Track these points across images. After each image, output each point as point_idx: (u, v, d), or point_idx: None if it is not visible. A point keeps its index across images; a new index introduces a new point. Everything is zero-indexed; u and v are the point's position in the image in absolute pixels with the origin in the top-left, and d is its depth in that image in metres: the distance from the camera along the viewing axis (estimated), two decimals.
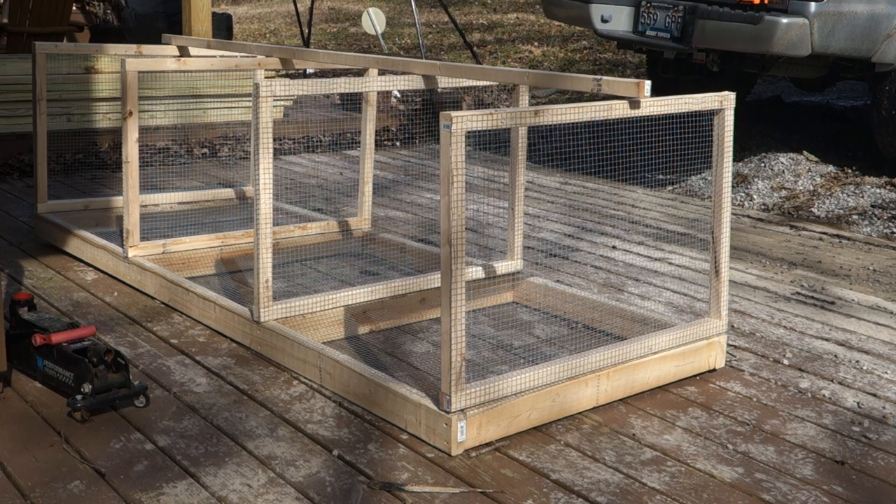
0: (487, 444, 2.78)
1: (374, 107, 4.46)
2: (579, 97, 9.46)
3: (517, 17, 17.23)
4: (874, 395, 3.21)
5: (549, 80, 3.95)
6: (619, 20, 6.81)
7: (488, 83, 3.99)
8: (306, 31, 10.86)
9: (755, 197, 6.12)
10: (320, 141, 7.58)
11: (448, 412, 2.70)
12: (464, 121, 2.58)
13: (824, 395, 3.20)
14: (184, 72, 5.47)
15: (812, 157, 6.86)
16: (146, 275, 4.02)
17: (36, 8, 8.04)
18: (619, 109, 2.96)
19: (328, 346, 3.25)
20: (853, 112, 8.64)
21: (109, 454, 2.69)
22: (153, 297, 3.98)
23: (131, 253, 4.15)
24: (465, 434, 2.72)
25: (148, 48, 4.78)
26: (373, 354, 3.44)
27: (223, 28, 8.82)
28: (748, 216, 5.69)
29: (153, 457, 2.68)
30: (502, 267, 4.01)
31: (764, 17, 5.60)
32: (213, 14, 7.86)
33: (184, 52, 4.74)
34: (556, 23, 13.49)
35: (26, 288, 4.08)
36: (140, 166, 4.18)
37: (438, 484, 2.57)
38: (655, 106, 3.03)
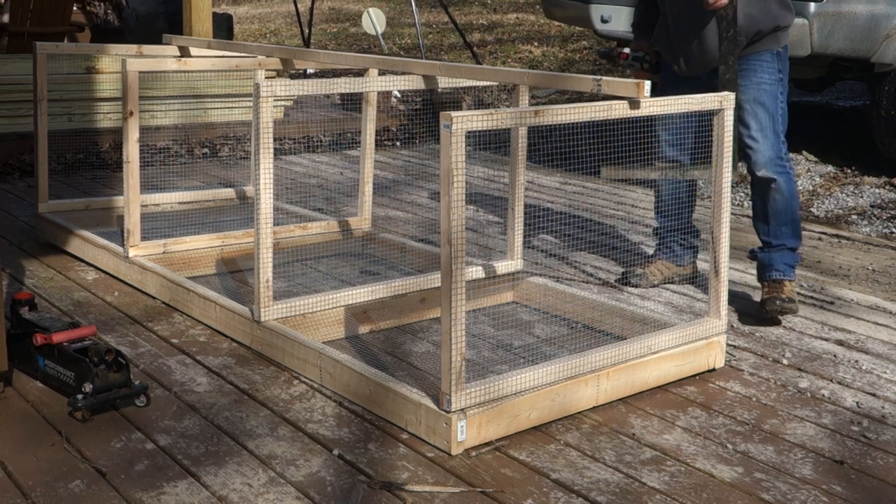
0: (487, 444, 2.78)
1: (375, 107, 4.46)
2: (579, 97, 9.47)
3: (517, 17, 17.23)
4: (873, 395, 3.21)
5: (549, 80, 3.95)
6: (619, 20, 6.81)
7: (488, 83, 3.99)
8: (306, 31, 10.87)
9: None
10: (320, 141, 7.58)
11: (448, 412, 2.71)
12: (464, 121, 2.58)
13: (823, 395, 3.21)
14: (184, 72, 5.47)
15: (811, 157, 6.87)
16: (147, 274, 4.03)
17: (37, 8, 8.04)
18: (619, 109, 2.96)
19: (328, 346, 3.25)
20: (853, 112, 8.64)
21: (110, 453, 2.70)
22: (154, 297, 3.98)
23: (132, 253, 4.15)
24: (465, 434, 2.72)
25: (149, 48, 4.79)
26: (373, 354, 3.45)
27: (224, 28, 8.83)
28: (748, 216, 5.68)
29: (154, 456, 2.69)
30: (502, 267, 4.02)
31: None
32: (214, 14, 7.86)
33: (184, 53, 4.75)
34: (556, 23, 13.50)
35: (27, 287, 4.08)
36: (141, 166, 4.19)
37: (438, 483, 2.58)
38: (655, 106, 3.04)
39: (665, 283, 4.24)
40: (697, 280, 4.24)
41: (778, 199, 3.83)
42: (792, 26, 3.89)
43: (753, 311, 3.94)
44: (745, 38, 3.73)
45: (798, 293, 4.02)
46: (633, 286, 4.20)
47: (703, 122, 3.79)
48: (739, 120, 3.75)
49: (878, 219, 5.67)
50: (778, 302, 3.73)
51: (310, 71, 9.08)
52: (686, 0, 3.75)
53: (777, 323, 3.82)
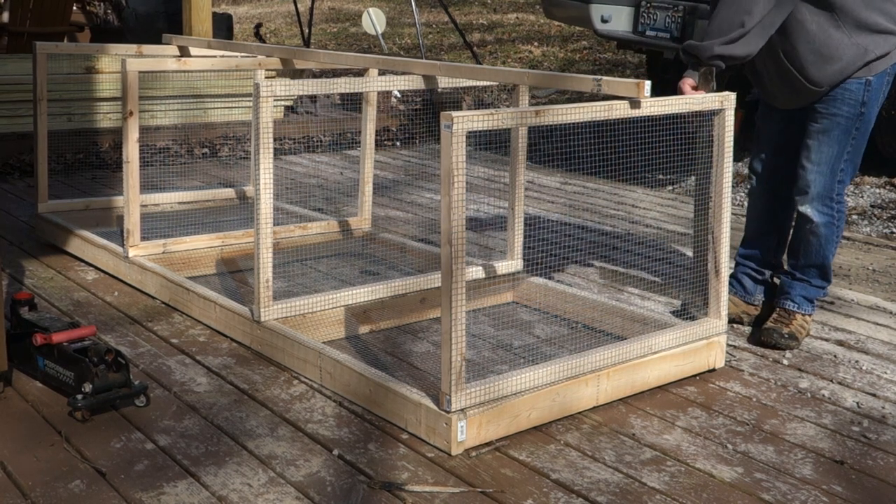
0: (487, 444, 2.78)
1: (374, 107, 4.46)
2: (579, 97, 9.47)
3: (517, 17, 17.24)
4: (873, 395, 3.21)
5: (549, 80, 3.95)
6: (618, 20, 6.81)
7: (488, 83, 3.99)
8: (306, 31, 10.87)
9: None
10: (320, 141, 7.58)
11: (448, 412, 2.71)
12: (465, 121, 2.58)
13: (824, 395, 3.20)
14: (184, 72, 5.47)
15: None
16: (147, 274, 4.03)
17: (37, 8, 8.05)
18: (620, 109, 2.96)
19: (328, 346, 3.25)
20: None
21: (110, 453, 2.70)
22: (154, 297, 3.98)
23: (132, 253, 4.15)
24: (465, 434, 2.72)
25: (148, 48, 4.79)
26: (373, 354, 3.45)
27: (223, 28, 8.83)
28: None
29: (153, 456, 2.69)
30: (502, 267, 4.02)
31: None
32: (214, 14, 7.87)
33: (184, 52, 4.75)
34: (556, 23, 13.51)
35: (27, 287, 4.08)
36: (140, 166, 4.19)
37: (438, 483, 2.58)
38: (655, 106, 3.04)
39: (731, 322, 3.76)
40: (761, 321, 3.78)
41: (812, 241, 3.58)
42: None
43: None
44: (829, 87, 3.43)
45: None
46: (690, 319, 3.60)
47: (790, 142, 3.63)
48: (803, 145, 3.54)
49: (878, 219, 5.67)
50: (776, 335, 3.54)
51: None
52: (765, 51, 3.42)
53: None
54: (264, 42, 11.16)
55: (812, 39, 3.37)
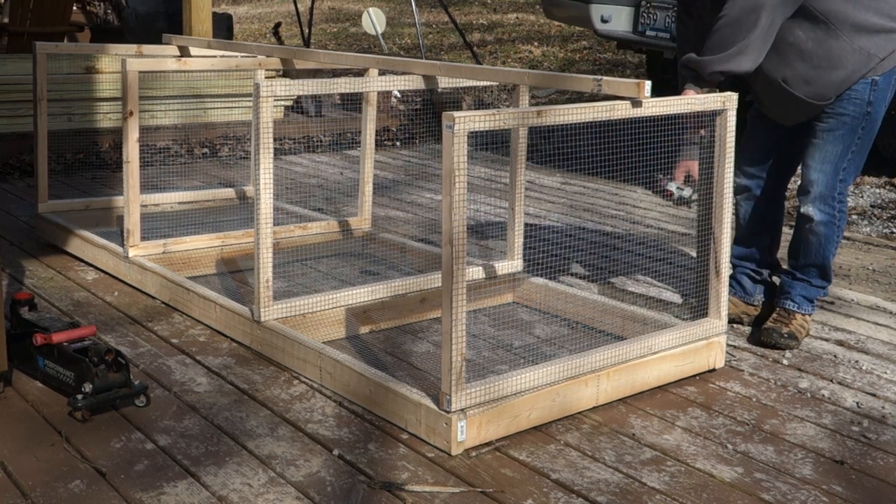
0: (487, 444, 2.78)
1: (375, 107, 4.46)
2: (579, 97, 9.47)
3: (517, 17, 17.24)
4: (873, 395, 3.21)
5: (549, 80, 3.95)
6: (618, 20, 6.82)
7: (488, 83, 3.99)
8: (307, 31, 10.87)
9: None
10: (320, 141, 7.58)
11: (448, 412, 2.71)
12: (467, 121, 2.58)
13: (824, 395, 3.20)
14: (184, 72, 5.48)
15: None
16: (147, 274, 4.03)
17: (37, 8, 8.05)
18: (621, 110, 2.96)
19: (328, 346, 3.25)
20: None
21: (110, 453, 2.70)
22: (154, 297, 3.98)
23: (132, 253, 4.15)
24: (465, 434, 2.72)
25: (148, 48, 4.79)
26: (373, 354, 3.44)
27: (224, 28, 8.83)
28: None
29: (154, 456, 2.69)
30: (502, 267, 4.02)
31: None
32: (214, 14, 7.87)
33: (184, 52, 4.75)
34: (556, 23, 13.51)
35: (27, 287, 4.08)
36: (141, 166, 4.19)
37: (438, 483, 2.58)
38: (656, 106, 3.04)
39: (731, 323, 3.75)
40: (762, 320, 3.76)
41: (811, 240, 3.57)
42: None
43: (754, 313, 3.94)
44: (835, 94, 3.40)
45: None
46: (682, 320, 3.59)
47: (783, 140, 3.65)
48: (807, 143, 3.53)
49: (878, 219, 5.67)
50: (775, 335, 3.54)
51: None
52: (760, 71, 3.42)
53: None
54: (282, 42, 11.14)
55: (810, 58, 3.37)
